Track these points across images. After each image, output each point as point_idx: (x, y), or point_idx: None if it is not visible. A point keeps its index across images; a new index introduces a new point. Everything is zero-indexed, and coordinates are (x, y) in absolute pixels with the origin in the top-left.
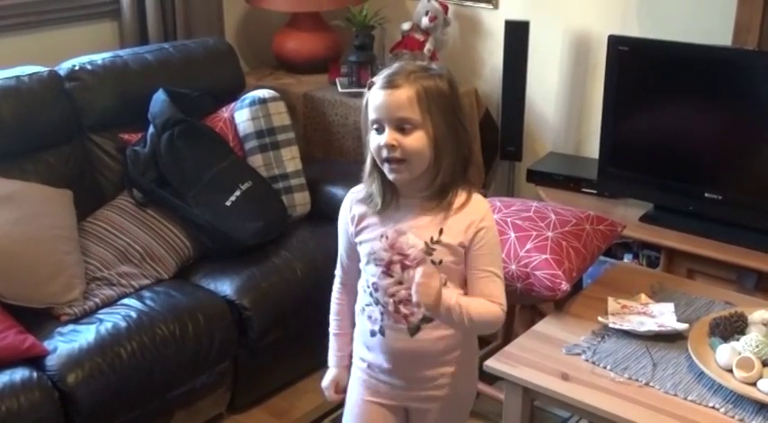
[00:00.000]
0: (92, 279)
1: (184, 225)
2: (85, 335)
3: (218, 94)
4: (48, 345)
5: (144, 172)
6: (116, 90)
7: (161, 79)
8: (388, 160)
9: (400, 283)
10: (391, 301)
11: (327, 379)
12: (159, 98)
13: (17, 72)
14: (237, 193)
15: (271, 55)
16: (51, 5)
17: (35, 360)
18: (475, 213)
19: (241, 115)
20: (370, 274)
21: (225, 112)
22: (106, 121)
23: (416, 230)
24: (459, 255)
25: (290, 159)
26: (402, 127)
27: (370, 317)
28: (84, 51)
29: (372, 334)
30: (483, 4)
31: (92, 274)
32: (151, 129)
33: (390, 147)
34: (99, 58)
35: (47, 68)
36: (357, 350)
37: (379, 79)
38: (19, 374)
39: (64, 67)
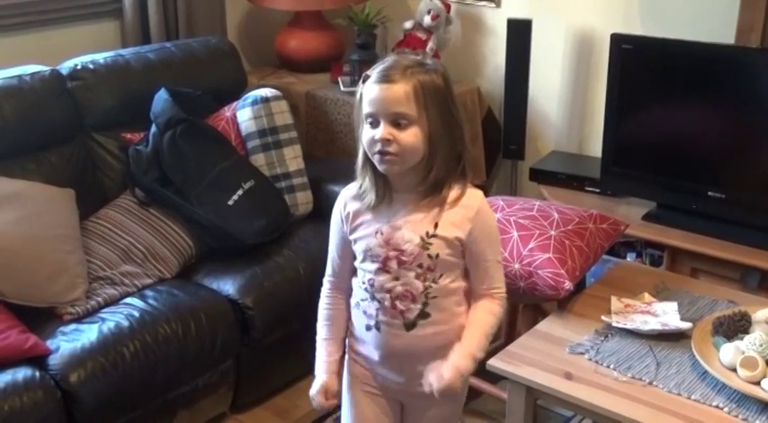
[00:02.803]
0: (94, 278)
1: (187, 224)
2: (88, 334)
3: (221, 93)
4: (50, 344)
5: (146, 171)
6: (118, 89)
7: (163, 78)
8: (381, 153)
9: (396, 279)
10: (388, 296)
11: (316, 386)
12: (161, 97)
13: (19, 71)
14: (240, 192)
15: (273, 54)
16: (53, 5)
17: (38, 359)
18: (470, 206)
19: (243, 114)
20: (366, 270)
21: (227, 112)
22: (108, 121)
23: (411, 225)
24: (456, 248)
25: (293, 158)
26: (398, 122)
27: (365, 312)
28: (87, 51)
29: (368, 328)
30: (485, 3)
31: (94, 274)
32: (153, 128)
33: (385, 141)
34: (101, 57)
35: (49, 68)
36: (351, 344)
37: (374, 73)
38: (22, 374)
39: (66, 67)
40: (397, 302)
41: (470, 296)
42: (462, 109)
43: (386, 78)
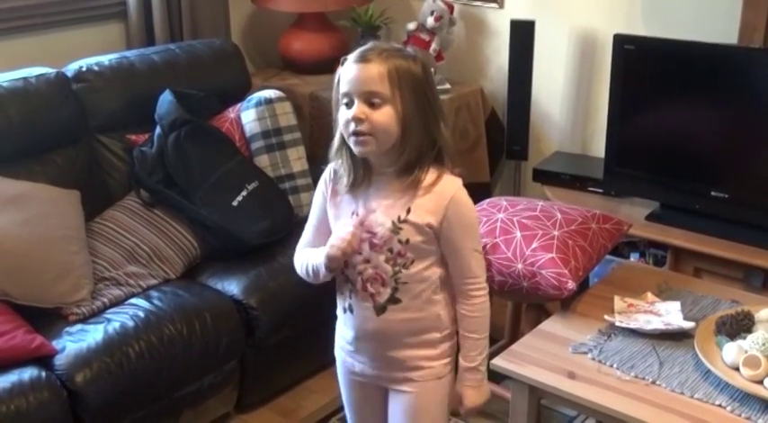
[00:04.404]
0: (100, 279)
1: (191, 225)
2: (94, 334)
3: (225, 94)
4: (56, 344)
5: (151, 172)
6: (123, 91)
7: (167, 80)
8: (354, 133)
9: (368, 261)
10: (359, 278)
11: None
12: (166, 99)
13: (25, 74)
14: (244, 193)
15: (277, 55)
16: (58, 7)
17: (44, 360)
18: (444, 192)
19: (247, 116)
20: None
21: (231, 113)
22: (113, 122)
23: (384, 209)
24: (428, 234)
25: (297, 159)
26: (371, 101)
27: (341, 293)
28: (91, 53)
29: (344, 310)
30: (488, 4)
31: (100, 274)
32: (158, 129)
33: (358, 120)
34: (106, 59)
35: (54, 70)
36: (337, 325)
37: (351, 55)
38: (28, 374)
39: (71, 69)
40: (368, 285)
41: (450, 285)
42: (465, 110)
43: (362, 58)
